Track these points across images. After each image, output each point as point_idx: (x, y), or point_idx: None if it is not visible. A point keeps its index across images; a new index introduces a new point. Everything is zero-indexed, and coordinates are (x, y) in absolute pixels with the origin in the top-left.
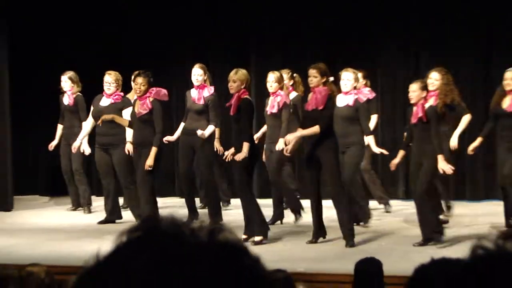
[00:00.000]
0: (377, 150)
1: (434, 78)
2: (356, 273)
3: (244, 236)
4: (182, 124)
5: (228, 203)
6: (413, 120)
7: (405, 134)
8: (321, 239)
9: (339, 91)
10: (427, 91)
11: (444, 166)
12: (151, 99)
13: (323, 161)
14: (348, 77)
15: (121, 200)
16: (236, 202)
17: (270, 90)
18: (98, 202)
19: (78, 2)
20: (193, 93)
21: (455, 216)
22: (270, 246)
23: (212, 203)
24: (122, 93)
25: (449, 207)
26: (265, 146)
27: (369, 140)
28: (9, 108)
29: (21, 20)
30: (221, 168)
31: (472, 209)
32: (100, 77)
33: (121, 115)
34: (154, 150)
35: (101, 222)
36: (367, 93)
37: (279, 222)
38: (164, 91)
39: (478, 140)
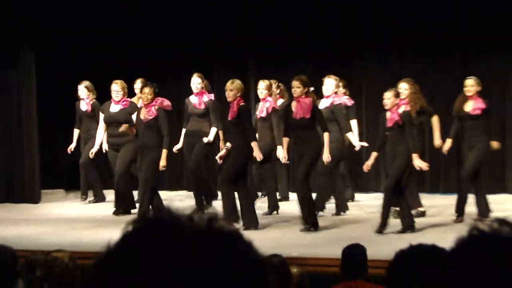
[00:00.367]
0: (357, 144)
1: (404, 88)
2: (343, 257)
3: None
4: (184, 130)
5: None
6: (389, 124)
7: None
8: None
9: (320, 98)
10: (399, 98)
11: (420, 163)
12: (156, 107)
13: (305, 155)
14: (330, 83)
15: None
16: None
17: (261, 96)
18: (109, 196)
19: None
20: (193, 99)
21: (431, 207)
22: (267, 233)
23: (200, 191)
24: (129, 99)
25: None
26: None
27: (349, 136)
28: (36, 114)
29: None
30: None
31: (447, 201)
32: (103, 87)
33: (131, 118)
34: (165, 152)
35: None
36: (345, 100)
37: (275, 212)
38: (167, 102)
39: (449, 141)
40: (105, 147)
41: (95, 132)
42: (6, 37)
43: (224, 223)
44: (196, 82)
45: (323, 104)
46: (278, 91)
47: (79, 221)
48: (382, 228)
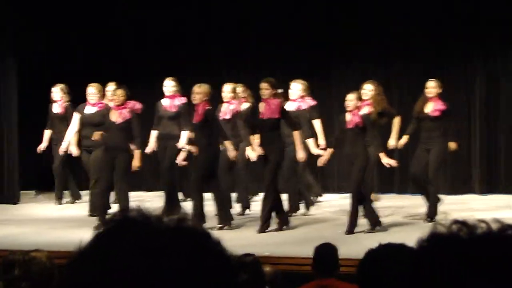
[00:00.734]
0: (315, 152)
1: (368, 89)
2: (315, 256)
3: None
4: (152, 132)
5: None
6: (349, 125)
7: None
8: (284, 227)
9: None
10: (361, 100)
11: (388, 161)
12: (127, 110)
13: (271, 158)
14: (296, 87)
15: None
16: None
17: (225, 99)
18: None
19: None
20: (165, 102)
21: (400, 207)
22: (240, 233)
23: (171, 192)
24: (104, 102)
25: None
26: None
27: (309, 142)
28: (16, 115)
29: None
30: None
31: (415, 201)
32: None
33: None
34: (138, 152)
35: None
36: (310, 102)
37: (247, 211)
38: (139, 105)
39: (405, 137)
40: (74, 150)
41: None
42: None
43: (193, 223)
44: (169, 85)
45: (290, 107)
46: (244, 95)
47: (57, 222)
48: (351, 228)
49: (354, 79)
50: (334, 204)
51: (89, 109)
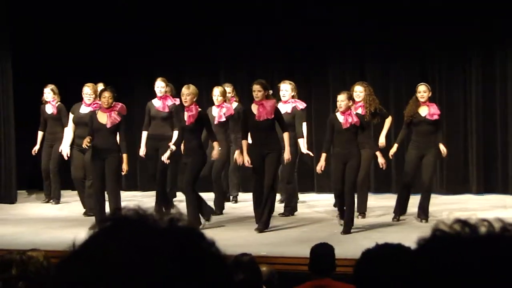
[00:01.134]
0: (305, 151)
1: (359, 91)
2: (311, 255)
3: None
4: (144, 133)
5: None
6: (344, 126)
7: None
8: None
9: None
10: (353, 100)
11: (383, 160)
12: (116, 112)
13: (271, 157)
14: (286, 88)
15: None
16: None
17: (216, 102)
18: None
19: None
20: (156, 103)
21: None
22: (236, 232)
23: (161, 191)
24: (99, 102)
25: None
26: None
27: (300, 142)
28: (13, 114)
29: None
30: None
31: (412, 201)
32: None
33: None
34: (126, 156)
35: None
36: (303, 104)
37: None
38: (124, 106)
39: (395, 146)
40: (67, 149)
41: (60, 135)
42: None
43: (187, 223)
44: (160, 86)
45: (282, 109)
46: (233, 94)
47: (54, 221)
48: (348, 228)
49: (352, 79)
50: (330, 204)
51: (84, 109)
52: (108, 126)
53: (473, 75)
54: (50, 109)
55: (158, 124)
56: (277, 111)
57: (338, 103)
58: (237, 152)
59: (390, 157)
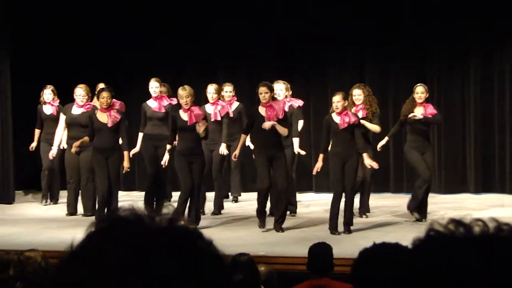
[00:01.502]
0: (297, 150)
1: (358, 94)
2: (309, 255)
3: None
4: (140, 134)
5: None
6: (342, 126)
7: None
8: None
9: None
10: (352, 103)
11: (370, 162)
12: (115, 111)
13: (282, 157)
14: (280, 88)
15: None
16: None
17: (211, 100)
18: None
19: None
20: (152, 103)
21: (395, 207)
22: (235, 232)
23: (150, 191)
24: (91, 103)
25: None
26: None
27: (295, 141)
28: (11, 115)
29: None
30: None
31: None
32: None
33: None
34: (127, 153)
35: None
36: (298, 101)
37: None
38: (122, 103)
39: (385, 139)
40: (55, 151)
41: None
42: None
43: (185, 223)
44: (154, 86)
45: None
46: (233, 94)
47: (52, 221)
48: (348, 227)
49: (351, 79)
50: (328, 203)
51: (76, 110)
52: (110, 125)
53: (472, 76)
54: (49, 109)
55: (155, 124)
56: (285, 111)
57: (334, 105)
58: (223, 145)
59: (378, 149)
